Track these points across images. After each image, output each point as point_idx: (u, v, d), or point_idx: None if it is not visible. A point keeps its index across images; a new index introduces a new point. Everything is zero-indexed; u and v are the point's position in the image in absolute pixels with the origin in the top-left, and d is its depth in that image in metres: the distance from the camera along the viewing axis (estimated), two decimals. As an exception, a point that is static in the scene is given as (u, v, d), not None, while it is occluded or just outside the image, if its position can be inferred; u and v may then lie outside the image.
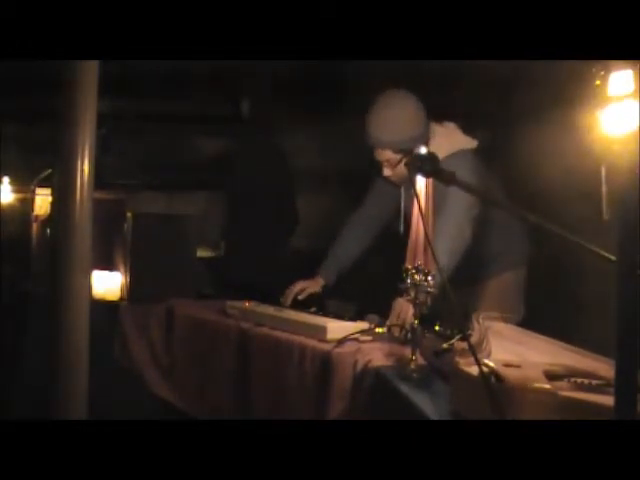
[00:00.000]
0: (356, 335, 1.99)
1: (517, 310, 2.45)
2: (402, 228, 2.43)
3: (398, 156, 2.30)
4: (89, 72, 1.22)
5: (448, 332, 1.77)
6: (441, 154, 2.17)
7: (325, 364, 1.88)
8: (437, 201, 2.16)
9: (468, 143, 2.35)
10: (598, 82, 1.05)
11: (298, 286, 2.48)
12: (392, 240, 2.49)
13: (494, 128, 3.10)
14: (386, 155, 2.32)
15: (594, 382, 1.26)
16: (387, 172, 2.36)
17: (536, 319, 2.20)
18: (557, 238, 1.39)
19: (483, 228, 2.31)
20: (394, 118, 2.28)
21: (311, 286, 2.49)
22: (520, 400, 1.17)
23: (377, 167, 2.40)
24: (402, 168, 2.29)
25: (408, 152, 2.28)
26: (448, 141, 2.32)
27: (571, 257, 2.50)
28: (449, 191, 1.97)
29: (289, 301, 2.44)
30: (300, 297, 2.46)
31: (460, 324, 1.54)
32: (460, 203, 2.18)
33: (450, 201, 2.14)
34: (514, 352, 1.47)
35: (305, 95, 3.76)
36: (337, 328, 2.01)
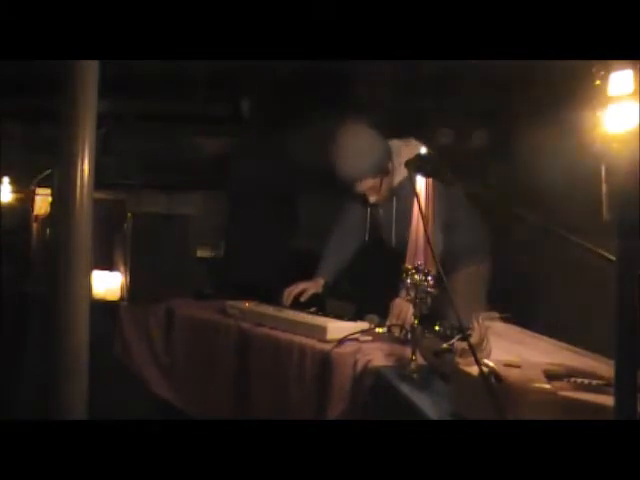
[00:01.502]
0: (356, 335, 1.99)
1: (482, 305, 2.47)
2: (367, 237, 2.53)
3: (378, 180, 2.39)
4: (89, 72, 1.22)
5: (448, 332, 1.77)
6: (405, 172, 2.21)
7: (325, 364, 1.88)
8: (403, 209, 2.20)
9: None
10: (598, 82, 1.05)
11: (299, 287, 2.48)
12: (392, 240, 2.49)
13: (494, 128, 3.10)
14: (368, 184, 2.40)
15: (594, 382, 1.26)
16: (373, 199, 2.44)
17: (535, 318, 2.20)
18: (557, 237, 1.39)
19: (448, 227, 2.33)
20: (358, 148, 2.37)
21: (312, 287, 2.49)
22: (520, 400, 1.17)
23: (362, 199, 2.46)
24: (384, 189, 2.41)
25: (384, 171, 2.40)
26: None
27: (571, 256, 2.50)
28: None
29: (289, 301, 2.44)
30: (302, 299, 2.45)
31: (460, 324, 1.54)
32: (442, 208, 2.19)
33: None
34: (514, 352, 1.47)
35: (305, 95, 3.76)
36: (337, 328, 2.01)
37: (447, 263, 2.40)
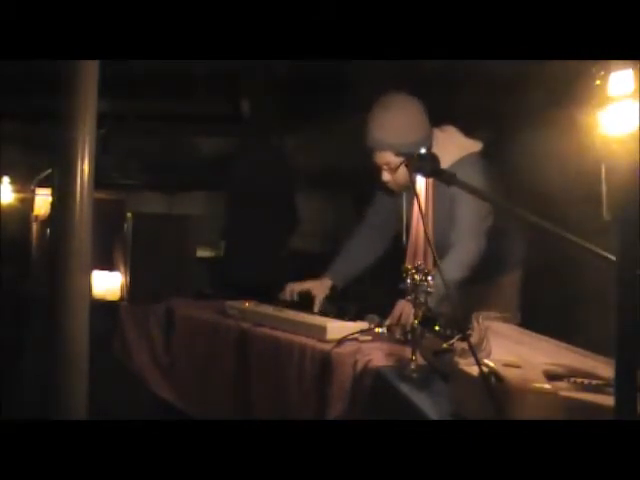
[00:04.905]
0: (356, 335, 1.99)
1: (513, 314, 2.42)
2: (405, 236, 2.38)
3: (399, 160, 2.24)
4: (89, 72, 1.22)
5: (448, 332, 1.77)
6: (449, 160, 2.14)
7: (325, 364, 1.88)
8: (446, 208, 2.12)
9: (473, 146, 2.31)
10: (598, 82, 1.05)
11: (305, 286, 2.41)
12: (392, 240, 2.49)
13: (494, 128, 3.10)
14: (386, 158, 2.26)
15: (594, 382, 1.26)
16: (386, 177, 2.30)
17: (535, 319, 2.20)
18: (557, 238, 1.39)
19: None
20: (397, 120, 2.23)
21: (318, 289, 2.41)
22: (520, 400, 1.17)
23: (375, 172, 2.33)
24: (402, 173, 2.25)
25: (409, 156, 2.25)
26: (452, 146, 2.27)
27: (571, 257, 2.50)
28: (463, 201, 1.94)
29: (290, 297, 2.40)
30: (316, 308, 2.35)
31: (460, 324, 1.55)
32: (475, 214, 2.15)
33: (465, 212, 2.12)
34: (514, 352, 1.47)
35: (305, 95, 3.76)
36: (337, 328, 2.00)
37: (478, 270, 2.37)
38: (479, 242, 2.21)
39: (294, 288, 2.43)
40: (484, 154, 2.32)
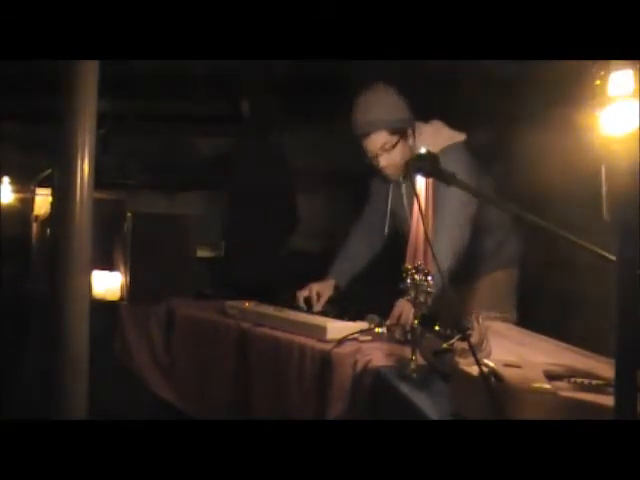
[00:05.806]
0: (356, 335, 1.99)
1: (509, 312, 2.41)
2: (387, 228, 2.41)
3: (394, 138, 2.28)
4: (89, 72, 1.22)
5: (448, 332, 1.77)
6: (432, 150, 2.17)
7: (325, 364, 1.88)
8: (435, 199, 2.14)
9: (456, 137, 2.34)
10: (598, 82, 1.05)
11: (313, 290, 2.42)
12: (392, 240, 2.49)
13: (494, 128, 3.11)
14: (381, 139, 2.28)
15: (594, 382, 1.26)
16: (384, 161, 2.31)
17: (535, 319, 2.20)
18: (556, 238, 1.39)
19: (476, 226, 2.30)
20: (384, 99, 2.29)
21: (325, 290, 2.43)
22: (520, 400, 1.17)
23: (372, 162, 2.35)
24: (398, 152, 2.29)
25: (401, 132, 2.29)
26: (437, 138, 2.31)
27: (570, 256, 2.50)
28: (444, 190, 1.95)
29: (302, 303, 2.41)
30: (317, 307, 2.37)
31: (460, 324, 1.55)
32: (457, 201, 2.16)
33: (447, 199, 2.13)
34: (514, 352, 1.47)
35: (305, 95, 3.76)
36: (337, 328, 2.00)
37: (472, 265, 2.38)
38: (463, 230, 2.22)
39: (303, 293, 2.42)
40: (468, 146, 2.34)
